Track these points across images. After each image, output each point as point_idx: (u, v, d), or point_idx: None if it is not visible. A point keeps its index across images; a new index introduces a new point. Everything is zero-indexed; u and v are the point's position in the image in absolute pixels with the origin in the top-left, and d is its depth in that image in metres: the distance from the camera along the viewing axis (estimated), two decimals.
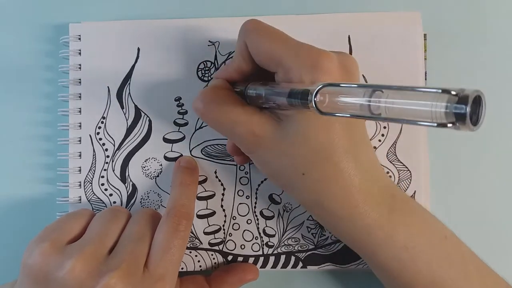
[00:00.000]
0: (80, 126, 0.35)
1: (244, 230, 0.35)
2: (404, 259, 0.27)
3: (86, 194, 0.34)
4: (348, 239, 0.29)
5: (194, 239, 0.34)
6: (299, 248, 0.34)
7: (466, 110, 0.17)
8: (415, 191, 0.34)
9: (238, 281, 0.33)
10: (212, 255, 0.34)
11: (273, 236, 0.34)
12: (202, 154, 0.35)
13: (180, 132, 0.35)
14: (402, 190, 0.29)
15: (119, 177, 0.34)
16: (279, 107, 0.26)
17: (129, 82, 0.35)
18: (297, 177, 0.27)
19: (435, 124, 0.17)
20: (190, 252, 0.34)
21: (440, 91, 0.17)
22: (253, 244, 0.34)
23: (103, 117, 0.35)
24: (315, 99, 0.21)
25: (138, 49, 0.35)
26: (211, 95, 0.28)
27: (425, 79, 0.34)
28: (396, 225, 0.27)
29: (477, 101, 0.17)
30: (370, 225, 0.27)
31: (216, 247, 0.34)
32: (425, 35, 0.35)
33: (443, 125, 0.17)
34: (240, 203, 0.35)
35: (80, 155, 0.35)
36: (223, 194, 0.35)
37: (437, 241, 0.28)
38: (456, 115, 0.17)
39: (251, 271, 0.34)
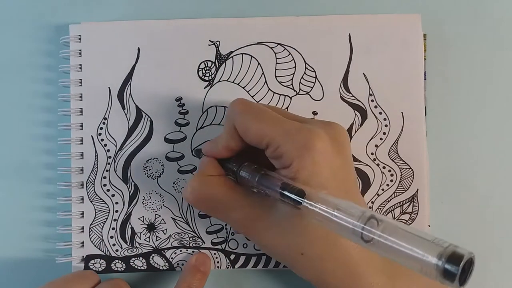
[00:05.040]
0: (81, 126, 0.35)
1: None
2: None
3: (88, 195, 0.34)
4: None
5: (196, 238, 0.34)
6: None
7: (458, 271, 0.17)
8: (417, 189, 0.34)
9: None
10: (214, 254, 0.35)
11: None
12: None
13: (181, 132, 0.35)
14: None
15: (121, 177, 0.35)
16: (268, 196, 0.26)
17: (130, 82, 0.35)
18: (296, 257, 0.27)
19: (419, 269, 0.18)
20: (193, 252, 0.34)
21: (433, 241, 0.18)
22: None
23: (105, 118, 0.35)
24: (309, 205, 0.22)
25: (139, 50, 0.35)
26: (200, 185, 0.29)
27: (425, 79, 0.35)
28: None
29: (469, 262, 0.17)
30: None
31: (219, 246, 0.35)
32: (424, 35, 0.35)
33: (428, 274, 0.17)
34: None
35: (82, 156, 0.35)
36: None
37: None
38: (445, 272, 0.17)
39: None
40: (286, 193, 0.24)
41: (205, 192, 0.28)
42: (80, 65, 0.35)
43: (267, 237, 0.27)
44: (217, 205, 0.28)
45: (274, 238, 0.27)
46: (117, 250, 0.34)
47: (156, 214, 0.34)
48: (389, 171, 0.34)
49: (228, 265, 0.34)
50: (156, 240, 0.34)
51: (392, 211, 0.34)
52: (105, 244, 0.34)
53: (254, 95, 0.35)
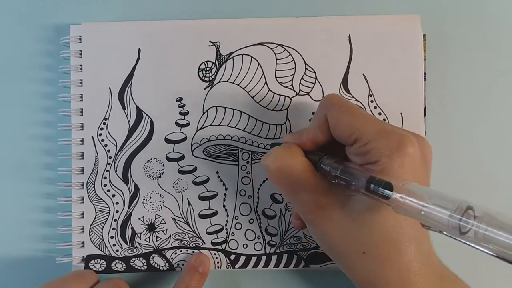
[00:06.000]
0: (82, 127, 0.35)
1: (247, 230, 0.35)
2: None
3: (88, 195, 0.34)
4: None
5: (196, 238, 0.35)
6: (301, 247, 0.34)
7: None
8: None
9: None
10: (214, 254, 0.35)
11: (275, 235, 0.35)
12: (204, 154, 0.35)
13: (182, 132, 0.35)
14: (447, 267, 0.28)
15: (121, 178, 0.35)
16: (349, 187, 0.26)
17: (130, 83, 0.35)
18: (356, 255, 0.26)
19: None
20: (193, 252, 0.34)
21: None
22: (255, 243, 0.35)
23: (105, 118, 0.35)
24: (398, 196, 0.21)
25: (139, 50, 0.35)
26: (284, 155, 0.28)
27: (424, 80, 0.35)
28: None
29: None
30: None
31: (219, 247, 0.35)
32: (424, 35, 0.35)
33: None
34: (242, 203, 0.35)
35: (82, 156, 0.35)
36: (225, 194, 0.35)
37: None
38: None
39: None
40: (373, 185, 0.23)
41: (287, 163, 0.27)
42: (81, 65, 0.35)
43: (332, 228, 0.27)
44: (293, 181, 0.27)
45: (339, 231, 0.27)
46: (117, 250, 0.34)
47: (156, 215, 0.35)
48: None
49: (228, 266, 0.35)
50: (156, 240, 0.34)
51: None
52: (105, 244, 0.34)
53: (254, 96, 0.35)
